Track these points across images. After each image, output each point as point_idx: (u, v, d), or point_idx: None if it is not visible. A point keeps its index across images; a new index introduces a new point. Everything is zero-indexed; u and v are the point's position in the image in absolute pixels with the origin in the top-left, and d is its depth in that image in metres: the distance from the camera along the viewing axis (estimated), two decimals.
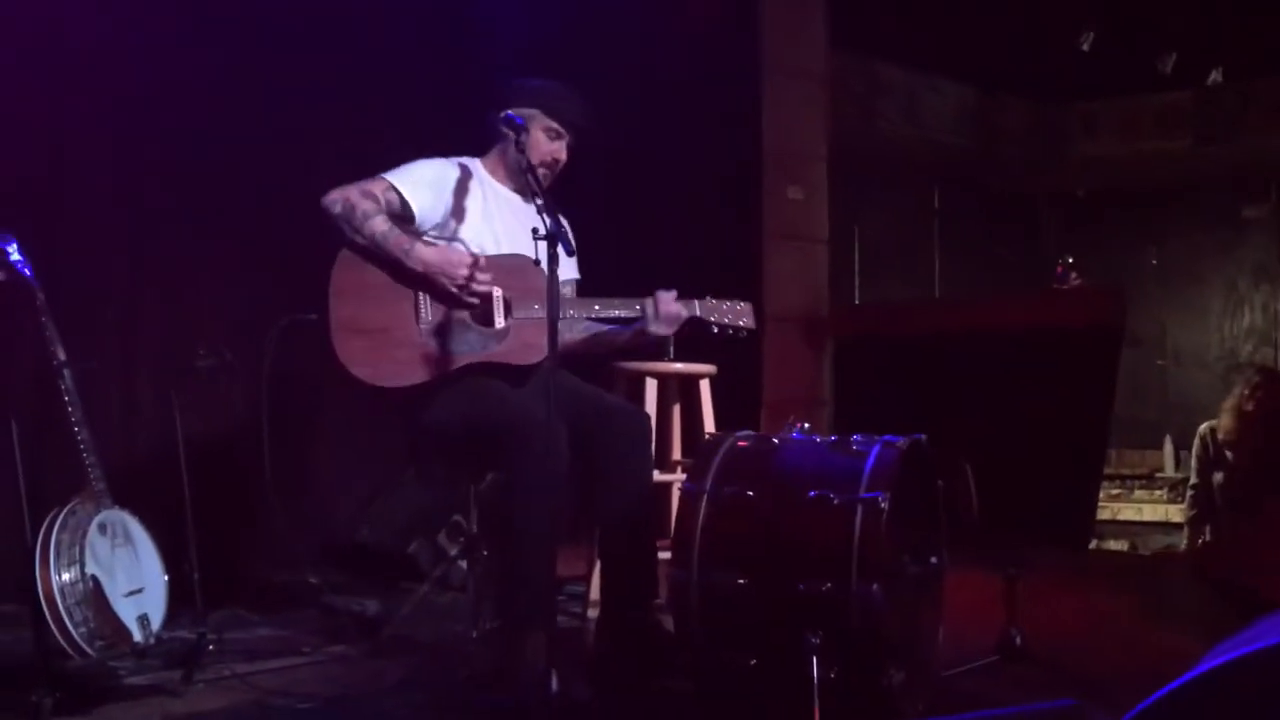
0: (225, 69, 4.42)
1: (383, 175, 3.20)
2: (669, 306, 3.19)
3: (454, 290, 3.09)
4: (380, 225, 3.09)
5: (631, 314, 3.22)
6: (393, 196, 3.16)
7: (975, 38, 7.55)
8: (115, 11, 4.19)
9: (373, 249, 3.09)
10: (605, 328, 3.38)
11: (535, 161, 3.24)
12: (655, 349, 3.69)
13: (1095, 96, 9.09)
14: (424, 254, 3.10)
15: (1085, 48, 7.33)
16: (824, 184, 6.33)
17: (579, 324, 3.38)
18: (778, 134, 6.10)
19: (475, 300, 3.12)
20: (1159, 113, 9.00)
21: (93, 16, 4.13)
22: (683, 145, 5.54)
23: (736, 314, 3.27)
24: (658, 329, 3.21)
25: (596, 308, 3.21)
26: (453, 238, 3.23)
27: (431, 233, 3.23)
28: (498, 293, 3.13)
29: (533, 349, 3.12)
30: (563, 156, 3.34)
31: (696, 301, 3.24)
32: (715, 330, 3.25)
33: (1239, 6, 6.58)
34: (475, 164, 3.37)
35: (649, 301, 3.19)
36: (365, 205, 3.10)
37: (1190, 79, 8.00)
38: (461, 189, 3.26)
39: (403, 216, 3.17)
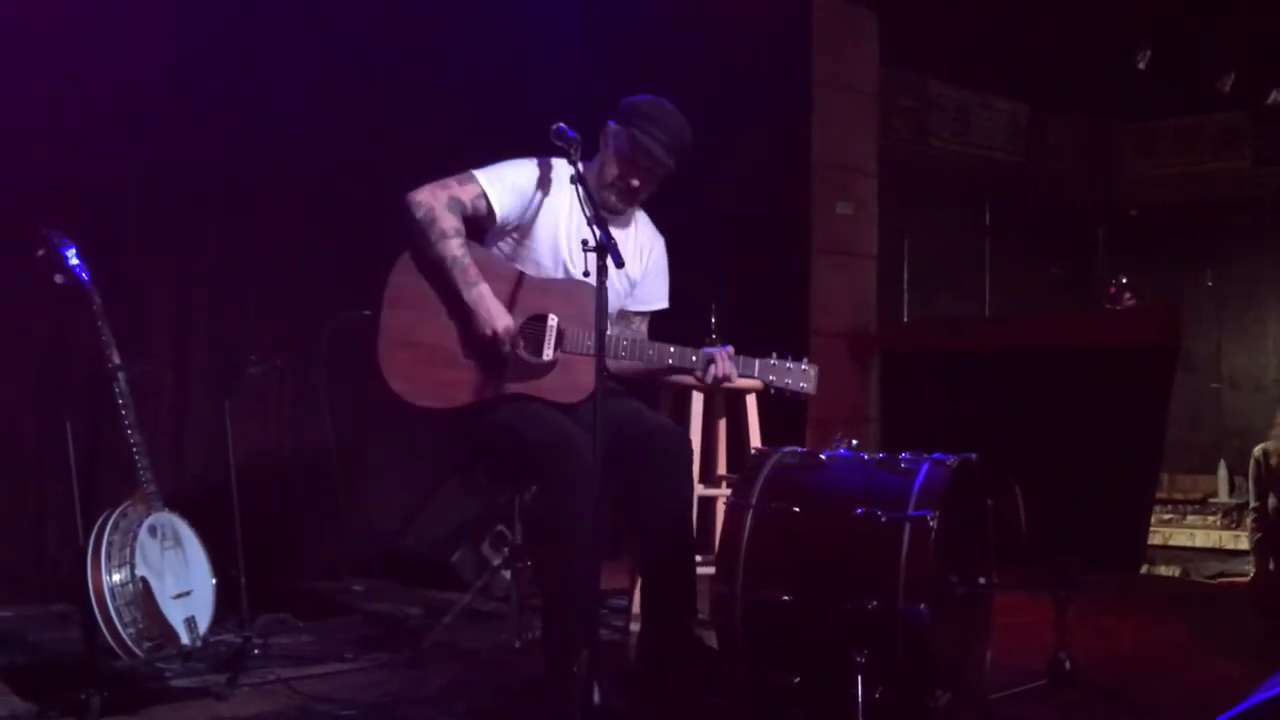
0: (279, 75, 4.48)
1: (474, 175, 3.14)
2: (724, 369, 3.08)
3: (487, 337, 3.05)
4: (455, 249, 3.05)
5: (685, 365, 3.13)
6: (481, 204, 3.13)
7: (1028, 55, 7.48)
8: (171, 21, 4.26)
9: (439, 266, 3.06)
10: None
11: (608, 180, 3.20)
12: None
13: (1151, 115, 8.98)
14: (482, 296, 3.05)
15: (1142, 66, 7.24)
16: (874, 199, 6.30)
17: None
18: (828, 149, 6.09)
19: (502, 350, 3.05)
20: (1217, 132, 8.88)
21: (148, 27, 4.20)
22: (733, 159, 5.54)
23: (798, 377, 3.10)
24: (711, 384, 3.15)
25: (651, 353, 3.10)
26: (532, 245, 3.18)
27: (513, 235, 3.20)
28: (553, 321, 3.08)
29: (578, 387, 3.06)
30: (635, 183, 3.21)
31: (757, 361, 3.11)
32: (773, 392, 3.13)
33: None
34: (564, 168, 3.16)
35: (705, 357, 3.09)
36: (447, 222, 3.05)
37: (1249, 98, 7.88)
38: (548, 194, 3.19)
39: (486, 217, 3.15)
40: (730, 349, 3.11)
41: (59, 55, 4.01)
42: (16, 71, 3.87)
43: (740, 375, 3.12)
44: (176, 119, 4.30)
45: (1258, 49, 7.18)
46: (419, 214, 3.06)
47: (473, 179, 3.14)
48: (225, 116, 4.41)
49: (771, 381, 3.10)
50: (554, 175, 3.21)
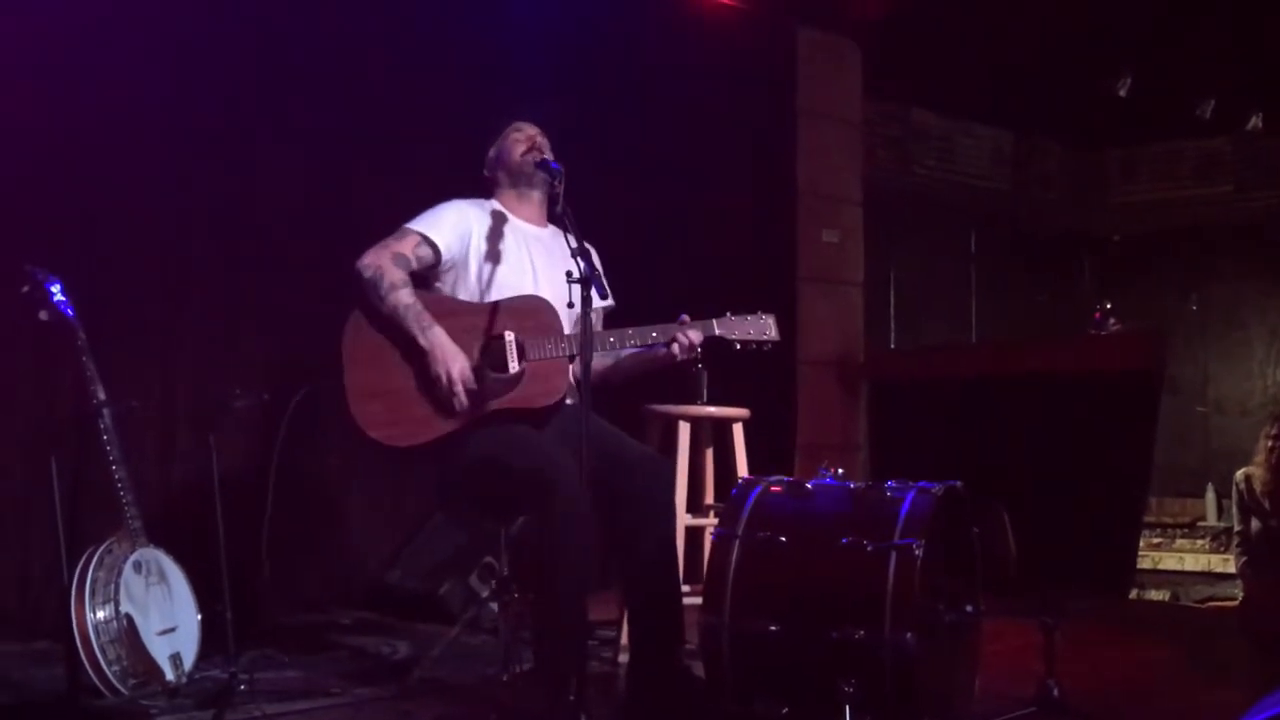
0: (267, 112, 4.50)
1: (409, 227, 3.23)
2: (689, 334, 3.15)
3: (442, 381, 3.07)
4: (405, 298, 3.12)
5: (651, 342, 3.19)
6: (424, 251, 3.21)
7: (1011, 83, 7.55)
8: (155, 55, 4.27)
9: (392, 317, 3.13)
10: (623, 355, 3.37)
11: (517, 158, 3.30)
12: (688, 382, 3.67)
13: (1133, 142, 9.06)
14: (438, 339, 3.10)
15: (1123, 93, 7.30)
16: (859, 227, 6.34)
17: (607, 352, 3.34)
18: (813, 178, 6.13)
19: (456, 397, 3.07)
20: (1199, 158, 8.95)
21: (133, 61, 4.21)
22: (719, 189, 5.57)
23: (759, 328, 3.20)
24: (682, 356, 3.18)
25: (612, 340, 3.18)
26: (489, 281, 3.24)
27: (455, 270, 3.25)
28: (510, 336, 3.13)
29: (550, 390, 3.12)
30: (536, 136, 3.33)
31: (715, 321, 3.19)
32: (738, 346, 3.20)
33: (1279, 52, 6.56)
34: (495, 204, 3.37)
35: (666, 331, 3.16)
36: (394, 275, 3.13)
37: (1230, 125, 7.95)
38: (488, 229, 3.29)
39: (433, 262, 3.23)
40: (685, 317, 3.17)
41: (41, 83, 4.00)
42: None
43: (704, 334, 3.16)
44: (164, 152, 4.30)
45: (1237, 75, 7.25)
46: (367, 274, 3.14)
47: (406, 231, 3.23)
48: (213, 150, 4.41)
49: (735, 336, 3.18)
50: (493, 210, 3.33)
